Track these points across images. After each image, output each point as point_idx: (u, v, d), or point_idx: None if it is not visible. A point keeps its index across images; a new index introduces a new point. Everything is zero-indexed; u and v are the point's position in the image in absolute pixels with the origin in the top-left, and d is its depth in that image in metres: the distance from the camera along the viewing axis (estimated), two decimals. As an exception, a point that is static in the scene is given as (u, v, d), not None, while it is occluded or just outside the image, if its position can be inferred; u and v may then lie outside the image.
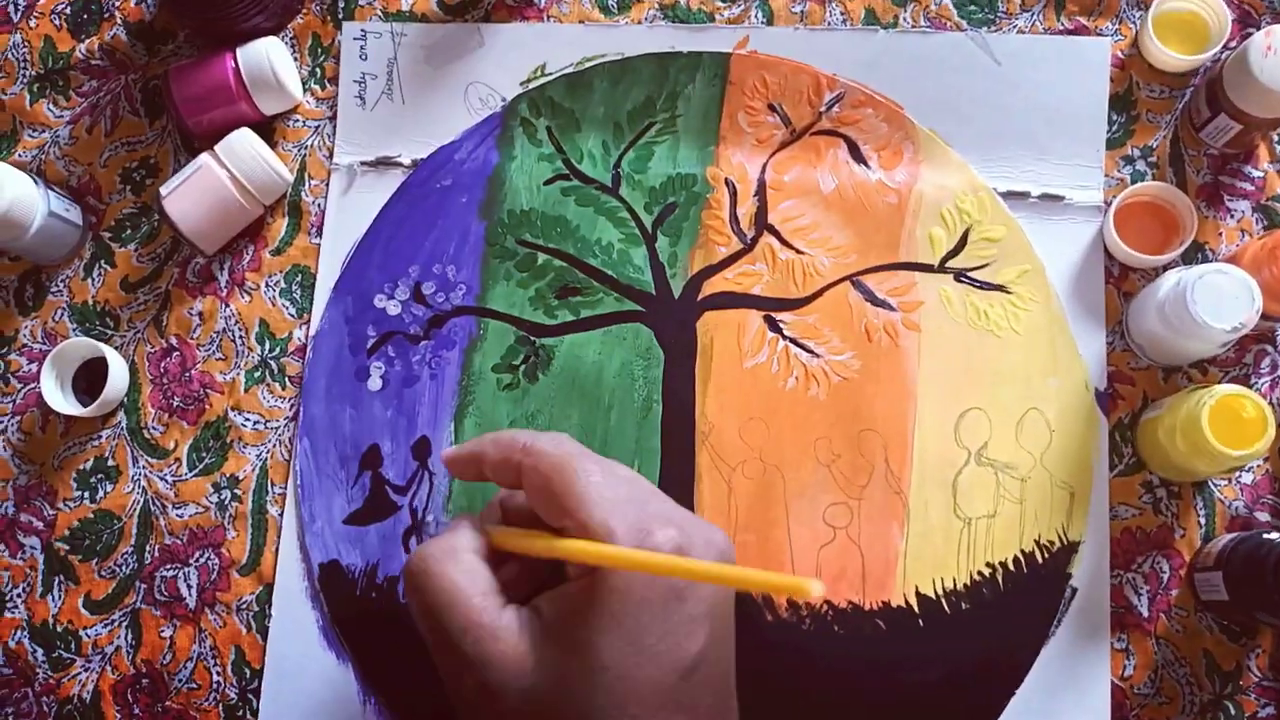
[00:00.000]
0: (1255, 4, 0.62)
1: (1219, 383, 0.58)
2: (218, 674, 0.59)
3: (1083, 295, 0.59)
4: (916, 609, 0.56)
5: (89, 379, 0.63)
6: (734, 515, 0.58)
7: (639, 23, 0.64)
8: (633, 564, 0.38)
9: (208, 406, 0.62)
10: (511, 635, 0.40)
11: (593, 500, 0.40)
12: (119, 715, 0.59)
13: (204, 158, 0.61)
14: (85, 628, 0.60)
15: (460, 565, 0.41)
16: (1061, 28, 0.62)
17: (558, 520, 0.41)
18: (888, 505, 0.57)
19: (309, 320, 0.62)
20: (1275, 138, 0.60)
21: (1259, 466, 0.57)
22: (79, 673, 0.59)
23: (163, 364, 0.63)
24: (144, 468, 0.61)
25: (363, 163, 0.64)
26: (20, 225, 0.60)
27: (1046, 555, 0.56)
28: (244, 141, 0.61)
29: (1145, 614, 0.56)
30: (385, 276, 0.62)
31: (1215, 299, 0.52)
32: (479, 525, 0.44)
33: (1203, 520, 0.57)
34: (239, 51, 0.62)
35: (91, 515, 0.61)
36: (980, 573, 0.56)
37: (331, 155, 0.64)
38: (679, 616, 0.38)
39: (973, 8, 0.63)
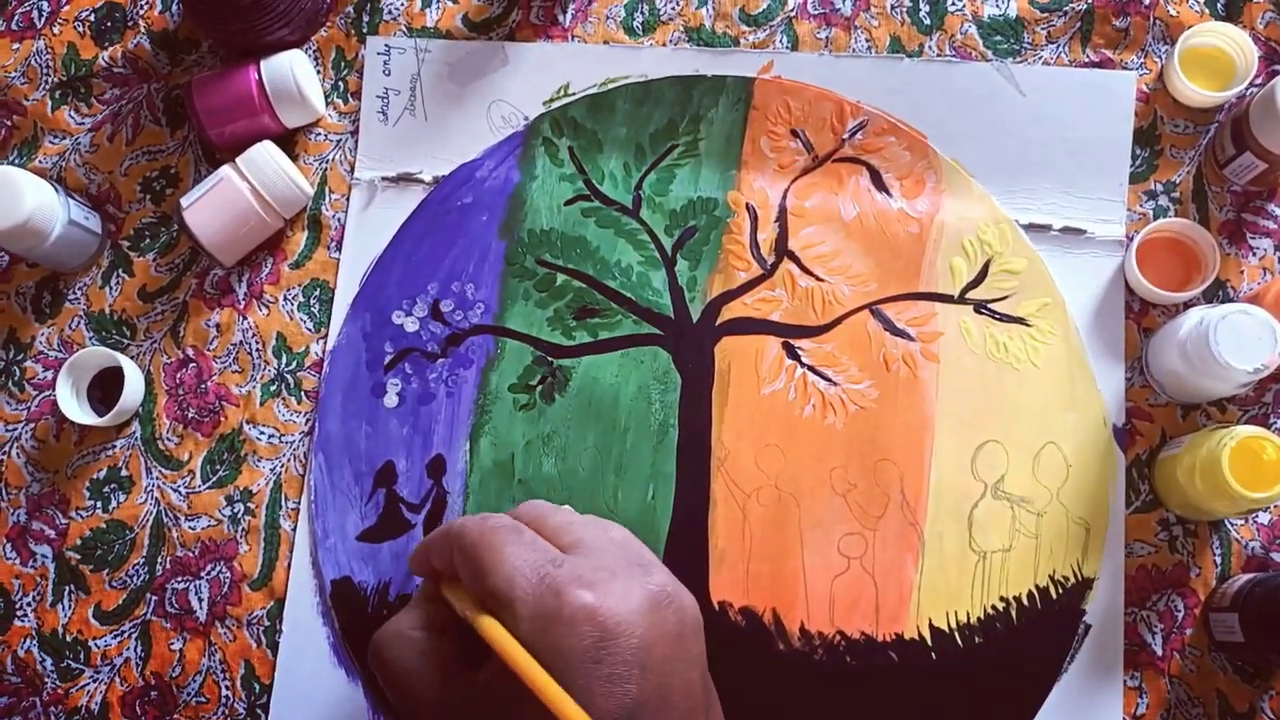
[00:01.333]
0: (1282, 41, 0.62)
1: (1238, 421, 0.57)
2: (227, 688, 0.58)
3: (1102, 330, 0.59)
4: (929, 642, 0.56)
5: (104, 388, 0.63)
6: (748, 543, 0.57)
7: (663, 45, 0.64)
8: (493, 644, 0.39)
9: (223, 419, 0.62)
10: (455, 714, 0.41)
11: (496, 572, 0.40)
12: (127, 727, 0.59)
13: (225, 170, 0.61)
14: (95, 638, 0.60)
15: (409, 648, 0.43)
16: (1087, 60, 0.62)
17: (475, 594, 0.42)
18: (903, 536, 0.57)
19: (326, 335, 0.62)
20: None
21: (1276, 507, 0.57)
22: (87, 683, 0.59)
23: (179, 375, 0.63)
24: (157, 479, 0.61)
25: (384, 178, 0.64)
26: (40, 233, 0.60)
27: (1061, 591, 0.56)
28: (266, 154, 0.61)
29: (1159, 652, 0.55)
30: (404, 293, 0.62)
31: (1238, 339, 0.52)
32: (435, 592, 0.45)
33: (1218, 559, 0.56)
34: (263, 64, 0.62)
35: (103, 525, 0.61)
36: (994, 607, 0.56)
37: (353, 170, 0.64)
38: (596, 675, 0.38)
39: (998, 38, 0.63)
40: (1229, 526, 0.57)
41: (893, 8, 0.64)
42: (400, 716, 0.43)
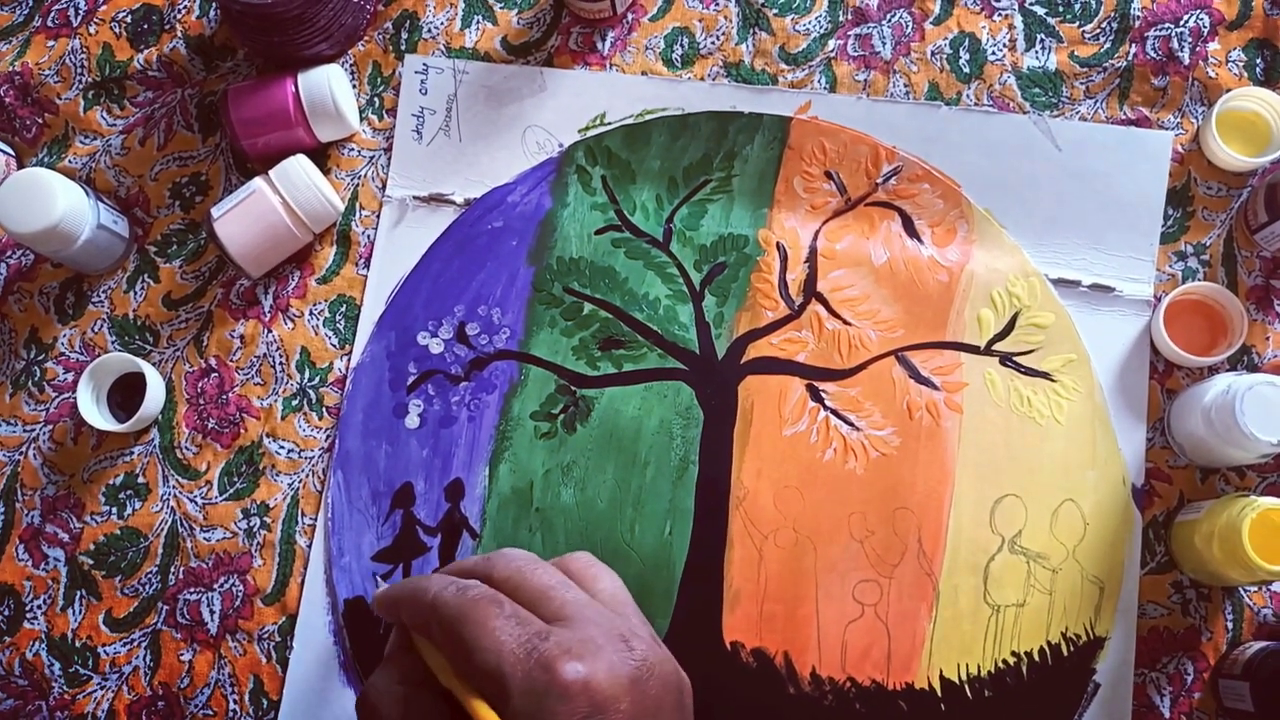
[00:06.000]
0: (1318, 109, 0.62)
1: (1257, 488, 0.58)
2: (234, 702, 0.58)
3: (1126, 389, 0.59)
4: (939, 693, 0.56)
5: (124, 393, 0.62)
6: (763, 584, 0.58)
7: (702, 79, 0.64)
8: None
9: (243, 431, 0.62)
10: None
11: (483, 649, 0.40)
12: (133, 736, 0.59)
13: (257, 182, 0.61)
14: (104, 645, 0.60)
15: (394, 705, 0.42)
16: (1123, 117, 0.62)
17: (461, 670, 0.41)
18: (918, 586, 0.57)
19: (350, 352, 0.62)
20: (1329, 245, 0.60)
21: (1290, 576, 0.57)
22: (95, 690, 0.59)
23: (200, 384, 0.62)
24: (174, 488, 0.61)
25: (415, 197, 0.64)
26: (69, 237, 0.60)
27: (1072, 648, 0.56)
28: (299, 169, 0.61)
29: (1167, 715, 0.56)
30: (430, 314, 0.62)
31: (1264, 411, 0.52)
32: (409, 643, 0.45)
33: (1230, 624, 0.57)
34: (300, 77, 0.62)
35: (118, 532, 0.61)
36: (1005, 661, 0.56)
37: (384, 187, 0.64)
38: None
39: (1037, 90, 0.63)
40: (1242, 593, 0.57)
41: (932, 54, 0.64)
42: None
